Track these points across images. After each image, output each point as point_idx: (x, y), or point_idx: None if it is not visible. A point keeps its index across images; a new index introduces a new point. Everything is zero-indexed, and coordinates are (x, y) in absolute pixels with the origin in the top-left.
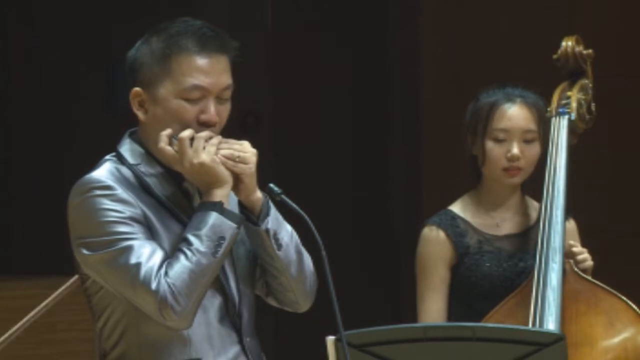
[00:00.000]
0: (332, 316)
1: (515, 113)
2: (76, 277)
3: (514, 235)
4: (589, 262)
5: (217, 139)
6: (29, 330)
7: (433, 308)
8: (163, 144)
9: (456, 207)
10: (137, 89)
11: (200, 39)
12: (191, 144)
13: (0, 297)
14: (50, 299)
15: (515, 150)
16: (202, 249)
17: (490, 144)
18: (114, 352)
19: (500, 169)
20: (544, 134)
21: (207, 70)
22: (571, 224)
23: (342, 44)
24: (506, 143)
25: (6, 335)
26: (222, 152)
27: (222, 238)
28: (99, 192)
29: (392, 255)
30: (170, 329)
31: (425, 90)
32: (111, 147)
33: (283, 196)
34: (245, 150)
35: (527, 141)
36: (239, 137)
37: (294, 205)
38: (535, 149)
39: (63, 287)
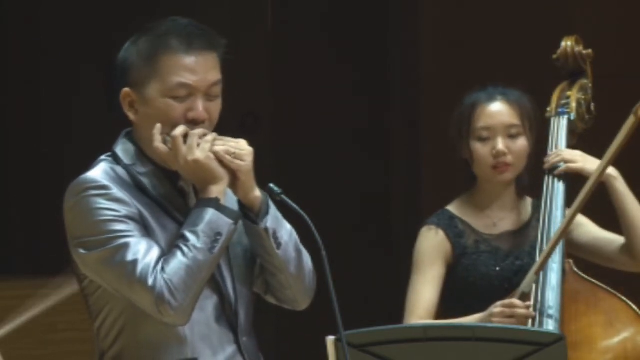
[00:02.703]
0: (332, 316)
1: (495, 109)
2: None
3: (511, 233)
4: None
5: (211, 136)
6: (29, 330)
7: (426, 298)
8: (157, 142)
9: (453, 207)
10: (126, 89)
11: (187, 37)
12: (185, 142)
13: (0, 297)
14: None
15: (500, 145)
16: (198, 245)
17: (475, 144)
18: (111, 351)
19: (489, 168)
20: (532, 129)
21: (194, 68)
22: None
23: (342, 44)
24: (490, 141)
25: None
26: (218, 148)
27: (219, 234)
28: (94, 191)
29: (392, 255)
30: (168, 326)
31: (425, 90)
32: (111, 147)
33: (283, 196)
34: (241, 147)
35: (512, 136)
36: (237, 137)
37: (294, 205)
38: (521, 144)
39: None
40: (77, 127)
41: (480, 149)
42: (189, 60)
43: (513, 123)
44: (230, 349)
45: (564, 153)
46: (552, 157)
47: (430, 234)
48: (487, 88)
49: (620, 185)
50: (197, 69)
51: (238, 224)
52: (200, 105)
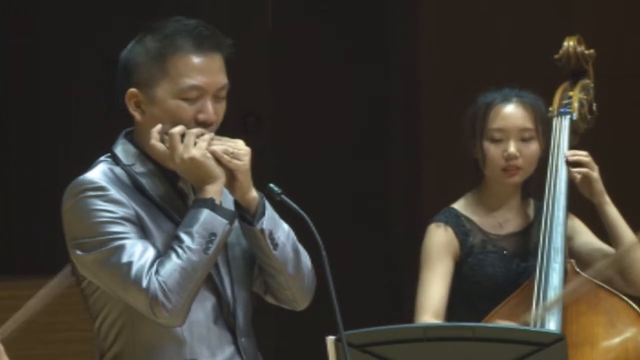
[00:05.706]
0: (332, 316)
1: (510, 112)
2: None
3: (516, 234)
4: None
5: (208, 135)
6: (29, 330)
7: (436, 294)
8: (154, 140)
9: (459, 206)
10: (132, 89)
11: (196, 38)
12: (182, 140)
13: (0, 297)
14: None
15: (511, 149)
16: (193, 246)
17: (487, 145)
18: (110, 351)
19: (499, 170)
20: (544, 133)
21: (204, 70)
22: (574, 221)
23: (342, 43)
24: (503, 143)
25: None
26: (215, 147)
27: (214, 234)
28: (91, 193)
29: (392, 255)
30: (166, 327)
31: (426, 91)
32: (110, 147)
33: (283, 196)
34: (239, 147)
35: (524, 140)
36: (239, 137)
37: (294, 205)
38: (533, 148)
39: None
40: (76, 126)
41: (492, 150)
42: (199, 61)
43: (527, 127)
44: (229, 350)
45: (589, 159)
46: (580, 154)
47: (439, 230)
48: (503, 89)
49: (611, 210)
50: (206, 70)
51: (234, 224)
52: (210, 107)
